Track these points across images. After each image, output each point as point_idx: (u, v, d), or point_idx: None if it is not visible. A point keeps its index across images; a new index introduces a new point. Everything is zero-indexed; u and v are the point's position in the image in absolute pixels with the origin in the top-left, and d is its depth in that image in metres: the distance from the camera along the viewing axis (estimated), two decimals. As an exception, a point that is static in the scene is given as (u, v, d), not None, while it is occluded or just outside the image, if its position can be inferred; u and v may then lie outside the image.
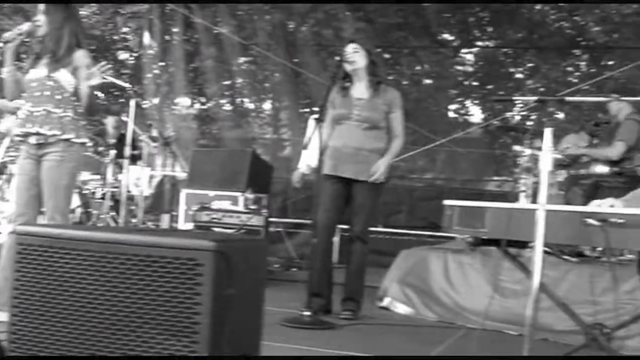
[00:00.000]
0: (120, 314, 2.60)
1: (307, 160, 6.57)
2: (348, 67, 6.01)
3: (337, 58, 6.00)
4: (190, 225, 8.02)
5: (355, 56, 6.02)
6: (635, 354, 4.50)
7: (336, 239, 7.69)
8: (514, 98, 3.36)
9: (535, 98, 3.28)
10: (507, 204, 3.62)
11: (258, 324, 2.96)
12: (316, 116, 5.68)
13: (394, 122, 6.08)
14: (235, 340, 2.63)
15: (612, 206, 3.55)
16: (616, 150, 6.74)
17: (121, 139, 8.61)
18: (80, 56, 4.98)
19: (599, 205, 3.54)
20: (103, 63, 4.94)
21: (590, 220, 3.20)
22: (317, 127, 5.70)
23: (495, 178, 12.96)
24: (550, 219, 3.27)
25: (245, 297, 2.77)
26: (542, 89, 13.87)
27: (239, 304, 2.65)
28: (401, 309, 6.39)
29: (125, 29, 15.44)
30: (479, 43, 14.94)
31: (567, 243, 5.04)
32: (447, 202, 3.78)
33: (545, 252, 6.04)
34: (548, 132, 3.30)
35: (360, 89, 6.08)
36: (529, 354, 3.31)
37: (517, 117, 12.80)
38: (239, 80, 14.49)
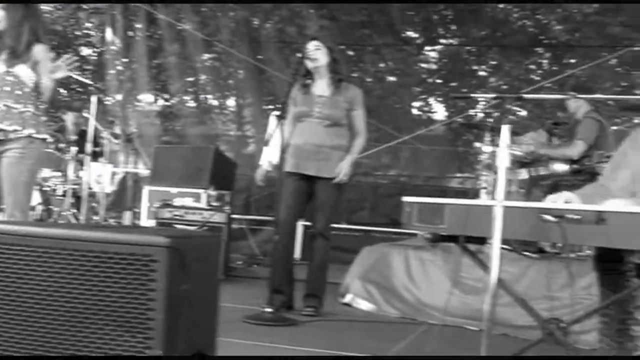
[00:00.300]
0: (75, 311, 2.58)
1: (269, 157, 6.57)
2: (309, 65, 6.01)
3: (299, 55, 5.99)
4: (152, 223, 7.99)
5: (317, 53, 6.01)
6: (589, 348, 4.55)
7: (299, 236, 7.73)
8: (472, 95, 3.38)
9: (493, 95, 3.30)
10: (465, 200, 3.63)
11: (213, 320, 2.96)
12: (277, 113, 5.68)
13: (356, 120, 6.09)
14: (190, 336, 2.63)
15: (567, 201, 3.59)
16: (576, 149, 6.79)
17: (82, 135, 8.54)
18: (40, 51, 4.96)
19: (554, 201, 3.57)
20: (68, 56, 4.91)
21: (547, 216, 3.22)
22: (279, 124, 5.69)
23: (458, 175, 13.03)
24: (507, 215, 3.28)
25: (200, 293, 2.76)
26: (504, 87, 13.96)
27: (194, 300, 2.65)
28: (363, 305, 6.41)
29: (87, 25, 15.30)
30: (443, 41, 15.00)
31: (525, 239, 5.09)
32: (406, 198, 3.79)
33: (506, 248, 6.17)
34: (505, 129, 3.32)
35: (321, 87, 6.08)
36: (487, 349, 3.33)
37: (480, 115, 12.86)
38: (203, 77, 14.42)
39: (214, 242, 3.08)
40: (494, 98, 3.31)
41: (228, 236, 7.76)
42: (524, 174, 7.02)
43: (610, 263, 3.75)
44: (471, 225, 3.52)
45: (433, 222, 3.67)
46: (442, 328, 5.57)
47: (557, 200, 3.61)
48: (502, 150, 3.33)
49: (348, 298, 6.53)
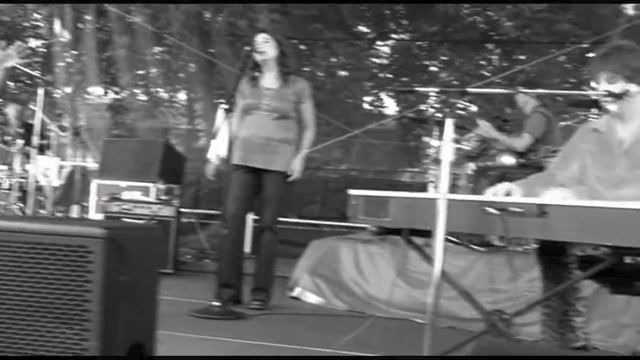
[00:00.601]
0: (11, 303, 2.54)
1: (217, 150, 6.53)
2: (258, 57, 5.99)
3: (247, 48, 5.96)
4: (100, 216, 7.92)
5: (265, 46, 5.99)
6: (532, 339, 4.60)
7: (248, 230, 7.70)
8: (417, 89, 3.39)
9: (437, 89, 3.31)
10: (409, 193, 3.64)
11: (153, 313, 2.92)
12: (225, 106, 5.64)
13: (305, 113, 6.10)
14: (128, 329, 2.60)
15: (508, 191, 3.63)
16: (522, 141, 6.87)
17: (28, 128, 8.41)
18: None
19: (495, 192, 3.61)
20: (19, 43, 4.83)
21: (490, 209, 3.24)
22: (226, 116, 5.66)
23: (409, 169, 13.09)
24: (451, 208, 3.29)
25: (140, 285, 2.73)
26: (455, 82, 14.05)
27: (133, 292, 2.62)
28: (312, 298, 6.42)
29: (36, 16, 15.09)
30: (394, 36, 15.06)
31: (468, 232, 5.12)
32: (352, 192, 3.80)
33: (453, 242, 6.22)
34: (449, 123, 3.33)
35: (269, 79, 6.06)
36: (431, 342, 3.34)
37: (431, 109, 12.93)
38: (154, 70, 14.31)
39: (154, 234, 3.04)
40: (439, 92, 3.31)
41: (177, 230, 7.71)
42: (472, 167, 7.08)
43: (552, 256, 3.80)
44: (415, 218, 3.54)
45: (378, 215, 3.68)
46: (389, 321, 5.60)
47: (498, 191, 3.64)
48: (446, 144, 3.34)
49: (296, 292, 6.53)
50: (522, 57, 13.62)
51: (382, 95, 15.02)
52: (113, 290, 2.45)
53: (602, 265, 3.31)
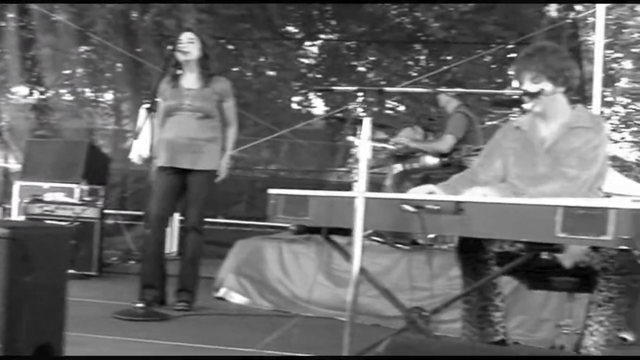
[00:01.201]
0: None
1: (139, 150, 6.47)
2: (181, 57, 5.95)
3: (170, 47, 5.91)
4: (22, 218, 7.77)
5: (189, 46, 5.95)
6: (454, 336, 4.65)
7: (175, 231, 7.65)
8: (334, 88, 3.39)
9: (354, 88, 3.33)
10: (328, 192, 3.65)
11: (61, 313, 2.88)
12: (147, 105, 5.60)
13: (227, 111, 6.09)
14: (34, 329, 2.56)
15: (430, 193, 3.67)
16: (446, 143, 6.95)
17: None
18: None
19: (416, 192, 3.64)
20: None
21: (407, 207, 3.27)
22: (148, 116, 5.61)
23: (336, 169, 13.13)
24: (369, 206, 3.31)
25: (45, 285, 2.69)
26: (383, 82, 14.16)
27: (38, 293, 2.58)
28: (237, 299, 6.40)
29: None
30: (323, 36, 15.10)
31: (387, 230, 5.16)
32: (271, 191, 3.80)
33: (378, 241, 6.26)
34: (366, 122, 3.35)
35: (190, 80, 6.03)
36: (350, 339, 3.36)
37: (359, 109, 13.00)
38: (79, 70, 14.11)
39: (63, 235, 2.99)
40: (355, 91, 3.33)
41: (101, 232, 7.61)
42: (399, 168, 7.15)
43: (471, 252, 3.85)
44: (335, 217, 3.55)
45: (297, 214, 3.69)
46: (313, 320, 5.61)
47: (420, 193, 3.68)
48: (363, 142, 3.36)
49: (222, 292, 6.51)
50: (449, 58, 13.78)
51: (311, 95, 15.05)
52: (16, 290, 2.40)
53: (518, 261, 3.38)
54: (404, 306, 3.67)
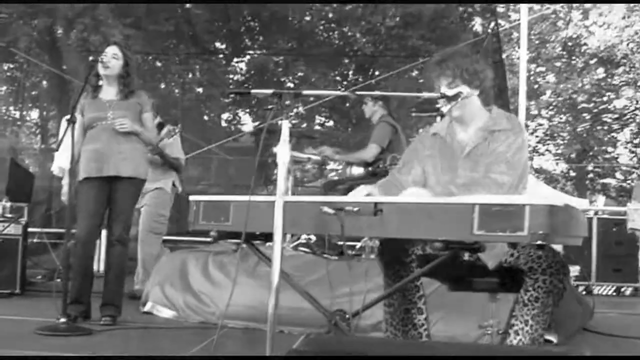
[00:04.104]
0: None
1: (60, 162, 6.40)
2: (102, 71, 5.90)
3: (91, 58, 5.85)
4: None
5: (112, 61, 5.91)
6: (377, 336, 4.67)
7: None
8: (252, 91, 3.40)
9: (271, 91, 3.33)
10: (248, 196, 3.63)
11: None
12: (67, 117, 5.53)
13: (147, 122, 6.03)
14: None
15: (368, 193, 3.68)
16: (370, 152, 7.01)
17: None
18: None
19: (354, 195, 3.66)
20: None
21: (326, 209, 3.28)
22: (69, 127, 5.53)
23: (266, 184, 13.12)
24: (290, 210, 3.31)
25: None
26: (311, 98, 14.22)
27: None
28: (164, 312, 6.33)
29: None
30: (250, 52, 15.12)
31: (307, 232, 5.16)
32: (192, 197, 3.79)
33: (306, 251, 6.26)
34: (285, 125, 3.36)
35: (110, 93, 5.98)
36: (272, 345, 3.34)
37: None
38: (3, 88, 13.90)
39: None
40: (272, 94, 3.33)
41: (24, 249, 7.47)
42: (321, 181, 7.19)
43: (393, 255, 3.87)
44: (256, 221, 3.53)
45: (219, 219, 3.68)
46: (240, 330, 5.58)
47: (358, 195, 3.69)
48: (282, 145, 3.36)
49: (148, 306, 6.43)
50: (377, 73, 13.92)
51: (239, 112, 15.06)
52: None
53: (437, 261, 3.39)
54: (326, 309, 3.67)
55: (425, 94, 3.91)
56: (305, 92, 3.51)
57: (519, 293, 3.61)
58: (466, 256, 3.63)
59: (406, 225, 3.19)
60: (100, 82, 5.99)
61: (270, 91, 3.35)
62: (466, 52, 4.05)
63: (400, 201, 3.30)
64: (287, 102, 3.35)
